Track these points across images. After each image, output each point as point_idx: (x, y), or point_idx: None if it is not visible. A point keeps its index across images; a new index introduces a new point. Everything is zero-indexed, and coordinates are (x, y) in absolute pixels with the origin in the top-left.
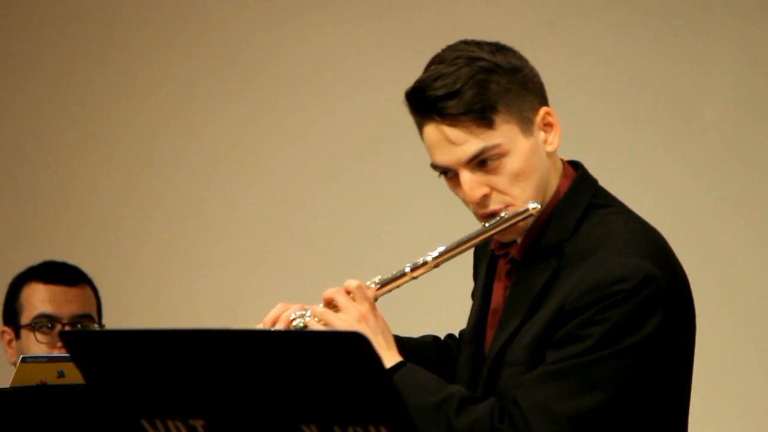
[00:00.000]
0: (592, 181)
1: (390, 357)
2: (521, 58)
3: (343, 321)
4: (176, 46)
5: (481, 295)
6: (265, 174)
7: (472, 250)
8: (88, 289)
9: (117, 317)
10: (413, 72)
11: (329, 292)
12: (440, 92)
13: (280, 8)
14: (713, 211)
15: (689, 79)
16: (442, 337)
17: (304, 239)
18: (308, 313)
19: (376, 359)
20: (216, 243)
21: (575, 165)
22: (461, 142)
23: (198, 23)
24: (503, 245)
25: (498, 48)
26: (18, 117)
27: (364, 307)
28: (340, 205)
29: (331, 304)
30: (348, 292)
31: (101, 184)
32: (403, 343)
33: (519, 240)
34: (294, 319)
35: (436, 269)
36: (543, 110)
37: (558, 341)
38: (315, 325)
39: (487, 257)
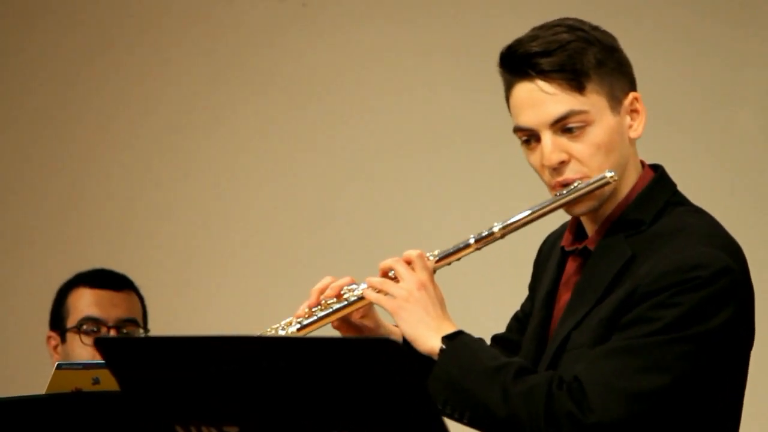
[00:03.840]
0: (671, 183)
1: (447, 326)
2: (618, 44)
3: (403, 290)
4: (192, 52)
5: (546, 297)
6: (297, 177)
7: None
8: (134, 296)
9: (160, 327)
10: (431, 76)
11: (388, 262)
12: (535, 49)
13: (296, 11)
14: (747, 213)
15: (722, 82)
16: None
17: (335, 243)
18: (363, 285)
19: (409, 366)
20: (249, 250)
21: (655, 168)
22: (549, 101)
23: (214, 26)
24: (576, 239)
25: (599, 28)
26: (43, 128)
27: (424, 276)
28: (362, 208)
29: (387, 275)
30: (408, 263)
31: (146, 194)
32: None
33: (592, 224)
34: (345, 294)
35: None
36: (632, 94)
37: (627, 323)
38: (371, 295)
39: (555, 262)
